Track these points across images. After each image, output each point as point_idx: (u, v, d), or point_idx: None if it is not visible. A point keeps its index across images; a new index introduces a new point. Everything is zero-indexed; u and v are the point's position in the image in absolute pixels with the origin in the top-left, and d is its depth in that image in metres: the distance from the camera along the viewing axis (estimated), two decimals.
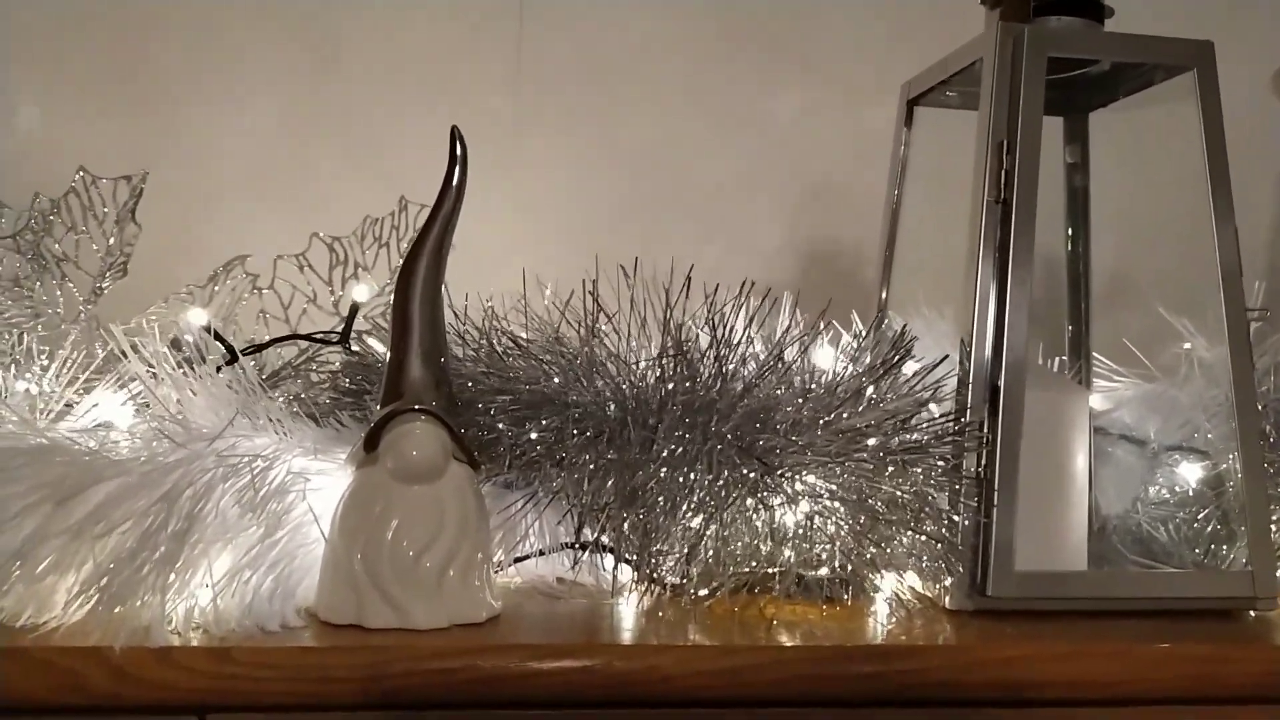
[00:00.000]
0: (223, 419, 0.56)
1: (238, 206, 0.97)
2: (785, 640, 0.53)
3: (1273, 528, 0.67)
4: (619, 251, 0.98)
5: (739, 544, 0.58)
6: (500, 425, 0.59)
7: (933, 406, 0.62)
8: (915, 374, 0.61)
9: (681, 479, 0.56)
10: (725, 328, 0.58)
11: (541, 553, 0.62)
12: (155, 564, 0.50)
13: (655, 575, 0.60)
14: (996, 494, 0.59)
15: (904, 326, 0.66)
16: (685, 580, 0.59)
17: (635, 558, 0.59)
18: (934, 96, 0.74)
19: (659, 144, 1.00)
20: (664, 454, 0.56)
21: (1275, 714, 0.55)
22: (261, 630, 0.50)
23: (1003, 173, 0.62)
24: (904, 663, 0.52)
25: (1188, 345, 0.79)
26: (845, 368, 0.61)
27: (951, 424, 0.60)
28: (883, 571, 0.59)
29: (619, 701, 0.50)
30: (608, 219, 1.00)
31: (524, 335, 0.63)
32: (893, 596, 0.60)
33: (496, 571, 0.62)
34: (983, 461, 0.60)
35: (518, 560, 0.63)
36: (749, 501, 0.57)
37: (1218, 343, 0.81)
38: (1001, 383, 0.60)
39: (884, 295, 0.77)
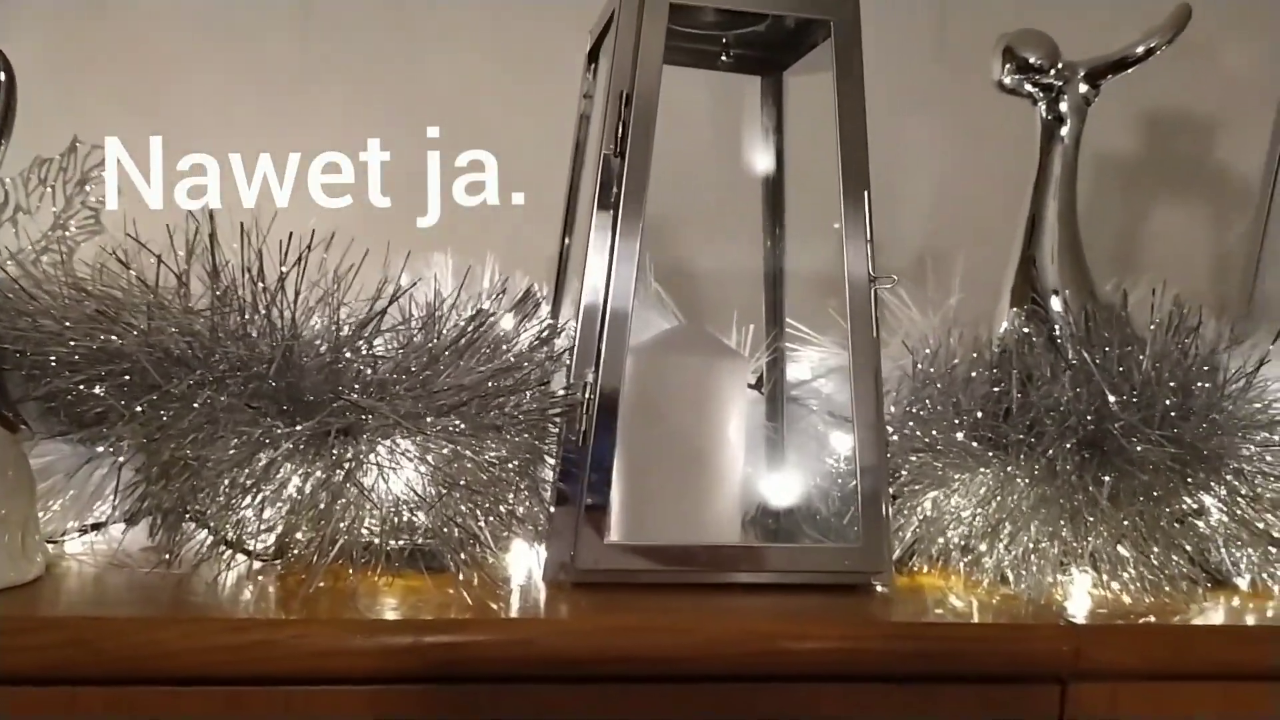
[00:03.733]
0: None
1: None
2: (321, 614, 0.50)
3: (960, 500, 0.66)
4: (412, 206, 0.94)
5: (327, 510, 0.55)
6: (59, 382, 0.55)
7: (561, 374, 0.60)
8: (516, 335, 0.58)
9: (236, 441, 0.52)
10: (293, 281, 0.54)
11: (129, 521, 0.58)
12: None
13: (237, 543, 0.56)
14: (589, 461, 0.56)
15: (529, 287, 0.63)
16: (268, 548, 0.56)
17: (214, 524, 0.56)
18: (607, 44, 0.70)
19: (459, 93, 0.95)
20: (219, 413, 0.52)
21: (847, 691, 0.53)
22: None
23: (619, 124, 0.58)
24: (443, 636, 0.49)
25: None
26: (447, 329, 0.58)
27: (550, 388, 0.57)
28: (479, 541, 0.56)
29: (114, 679, 0.46)
30: (402, 172, 0.94)
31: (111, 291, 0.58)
32: (494, 568, 0.57)
33: (57, 540, 0.58)
34: (581, 427, 0.57)
35: (96, 527, 0.59)
36: (323, 465, 0.54)
37: (926, 313, 0.80)
38: (604, 345, 0.57)
39: (565, 247, 0.73)
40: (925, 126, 1.00)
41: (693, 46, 0.71)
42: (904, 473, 0.67)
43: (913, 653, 0.53)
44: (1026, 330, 0.71)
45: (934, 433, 0.66)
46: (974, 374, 0.69)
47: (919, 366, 0.70)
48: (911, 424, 0.68)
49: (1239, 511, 0.63)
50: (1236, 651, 0.56)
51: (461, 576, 0.55)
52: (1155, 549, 0.61)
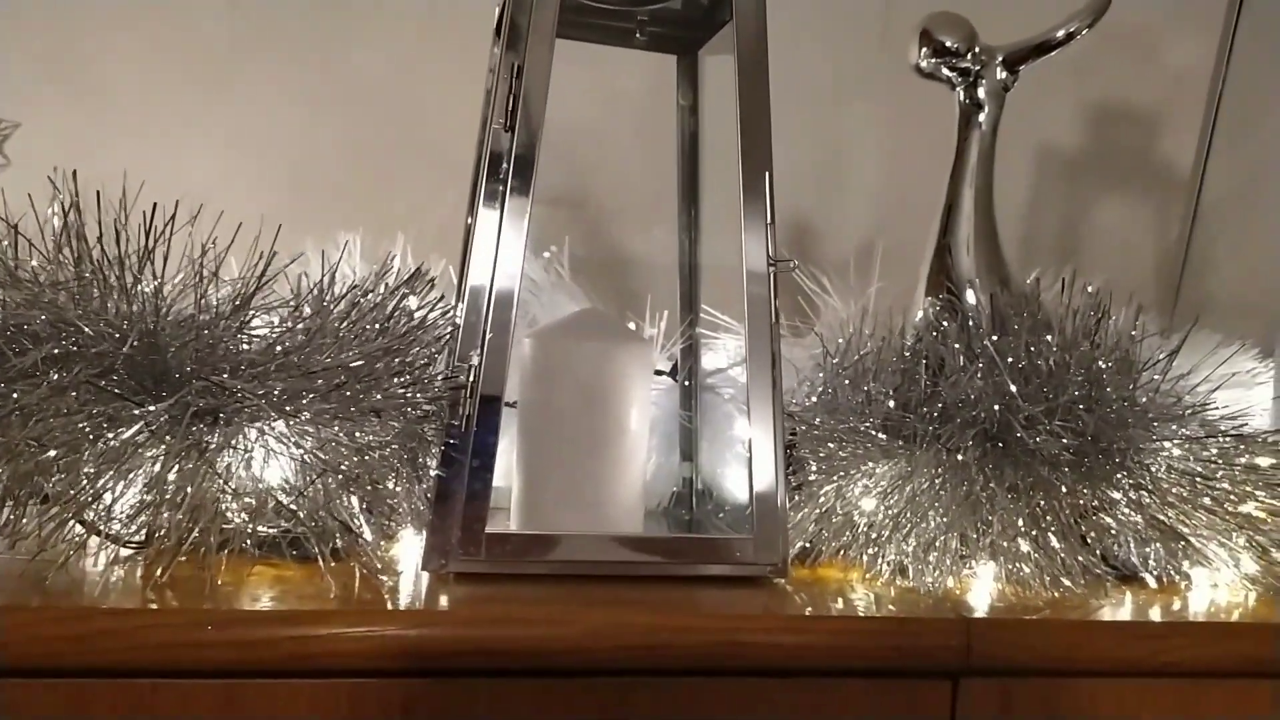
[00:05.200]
0: None
1: None
2: (176, 604, 0.47)
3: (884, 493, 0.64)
4: (344, 192, 0.91)
5: (184, 495, 0.52)
6: None
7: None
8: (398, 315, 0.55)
9: (84, 421, 0.49)
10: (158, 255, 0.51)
11: None
12: None
13: (94, 527, 0.53)
14: (472, 447, 0.54)
15: (419, 266, 0.60)
16: (133, 534, 0.53)
17: (67, 506, 0.53)
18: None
19: (392, 77, 0.92)
20: (67, 391, 0.49)
21: (730, 686, 0.51)
22: None
23: (509, 97, 0.56)
24: (301, 628, 0.47)
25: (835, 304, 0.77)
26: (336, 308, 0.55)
27: (429, 371, 0.55)
28: (353, 530, 0.54)
29: None
30: (333, 157, 0.91)
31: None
32: (372, 557, 0.55)
33: None
34: (464, 411, 0.55)
35: None
36: (181, 448, 0.51)
37: (848, 302, 0.79)
38: (488, 326, 0.55)
39: (470, 225, 0.71)
40: (869, 112, 0.98)
41: (607, 23, 0.69)
42: (813, 464, 0.65)
43: (798, 646, 0.51)
44: (940, 320, 0.69)
45: (844, 424, 0.64)
46: (885, 364, 0.68)
47: (830, 357, 0.69)
48: (824, 415, 0.66)
49: (1144, 506, 0.61)
50: (1131, 647, 0.55)
51: (335, 566, 0.53)
52: (1055, 543, 0.60)
